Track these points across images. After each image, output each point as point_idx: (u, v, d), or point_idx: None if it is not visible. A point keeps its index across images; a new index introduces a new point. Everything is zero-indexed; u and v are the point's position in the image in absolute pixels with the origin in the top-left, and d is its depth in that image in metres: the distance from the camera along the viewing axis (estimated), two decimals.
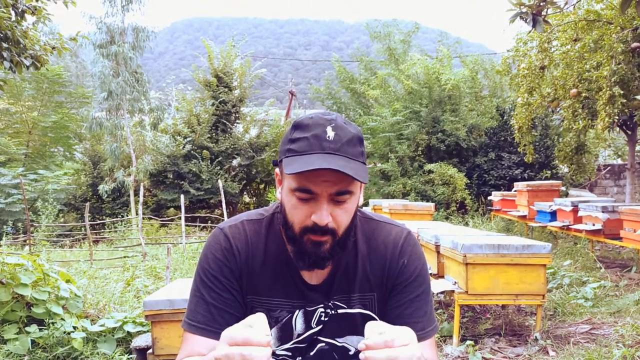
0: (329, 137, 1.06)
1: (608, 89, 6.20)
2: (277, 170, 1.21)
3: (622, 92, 6.18)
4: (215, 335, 1.13)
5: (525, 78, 7.58)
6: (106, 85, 13.72)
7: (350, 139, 1.09)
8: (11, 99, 15.80)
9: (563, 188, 9.97)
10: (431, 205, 7.08)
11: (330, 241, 1.10)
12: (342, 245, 1.13)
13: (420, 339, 1.15)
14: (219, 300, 1.16)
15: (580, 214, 6.01)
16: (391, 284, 1.21)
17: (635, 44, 6.16)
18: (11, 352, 3.06)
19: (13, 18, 3.86)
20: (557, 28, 7.20)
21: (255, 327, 0.90)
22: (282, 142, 1.15)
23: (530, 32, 7.38)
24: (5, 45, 3.73)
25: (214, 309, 1.15)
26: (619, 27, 6.30)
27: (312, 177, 1.05)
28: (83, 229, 11.28)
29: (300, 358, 1.25)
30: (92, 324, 3.43)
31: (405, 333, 0.90)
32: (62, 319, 3.32)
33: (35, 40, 4.08)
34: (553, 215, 6.75)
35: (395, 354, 0.86)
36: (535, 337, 3.51)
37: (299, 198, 1.09)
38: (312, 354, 1.24)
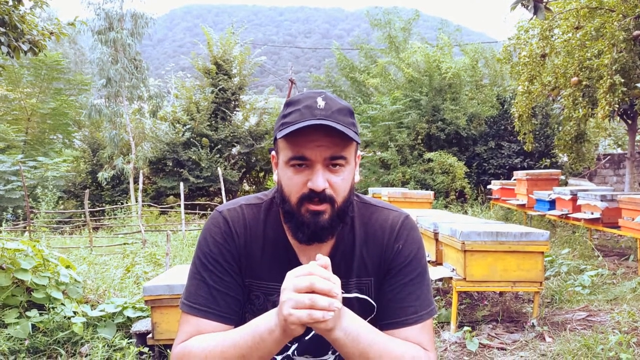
0: (319, 106, 1.08)
1: (609, 77, 6.16)
2: (272, 153, 1.21)
3: (622, 80, 6.14)
4: (217, 318, 1.13)
5: (526, 66, 7.54)
6: (105, 72, 13.66)
7: (341, 109, 1.10)
8: (9, 85, 15.73)
9: (562, 177, 9.98)
10: (430, 193, 7.09)
11: (329, 211, 1.10)
12: (341, 216, 1.13)
13: (413, 322, 1.15)
14: (220, 283, 1.16)
15: (579, 202, 6.02)
16: (386, 268, 1.21)
17: (637, 32, 6.12)
18: (12, 336, 3.08)
19: (10, 2, 3.83)
20: (559, 15, 7.14)
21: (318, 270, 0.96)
22: (276, 121, 1.16)
23: (531, 19, 7.33)
24: (2, 30, 3.70)
25: (215, 292, 1.15)
26: (621, 15, 6.25)
27: (305, 143, 1.06)
28: (83, 215, 11.31)
29: (296, 342, 1.26)
30: (92, 309, 3.45)
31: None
32: (62, 304, 3.34)
33: (33, 25, 4.05)
34: (552, 203, 6.76)
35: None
36: (532, 323, 3.54)
37: (295, 166, 1.09)
38: (308, 338, 1.25)
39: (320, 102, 1.08)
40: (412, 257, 1.21)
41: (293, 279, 0.95)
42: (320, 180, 1.07)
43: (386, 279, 1.21)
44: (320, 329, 0.97)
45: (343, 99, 1.18)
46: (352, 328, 1.03)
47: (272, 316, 1.01)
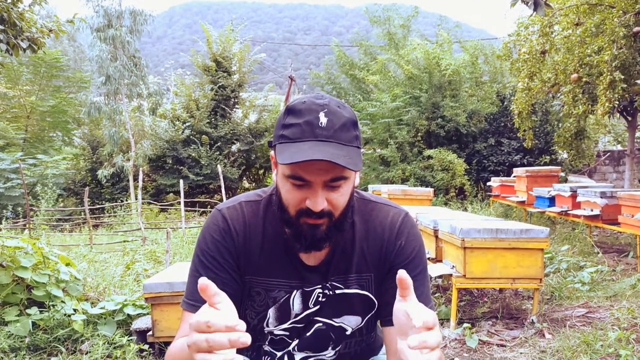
0: (321, 123, 1.05)
1: (609, 73, 6.16)
2: (272, 153, 1.21)
3: (622, 77, 6.14)
4: None
5: (526, 63, 7.53)
6: (104, 70, 13.64)
7: (344, 123, 1.07)
8: (9, 83, 15.71)
9: (562, 174, 9.98)
10: (430, 190, 7.09)
11: (326, 223, 1.11)
12: (339, 226, 1.13)
13: None
14: (217, 280, 1.16)
15: (578, 199, 6.02)
16: (388, 265, 1.22)
17: (637, 28, 6.11)
18: (12, 334, 3.09)
19: (9, 0, 3.82)
20: (559, 12, 7.13)
21: (221, 309, 0.83)
22: (276, 125, 1.15)
23: (531, 16, 7.31)
24: (1, 27, 3.69)
25: None
26: (621, 11, 6.24)
27: (305, 166, 1.04)
28: (82, 213, 11.31)
29: (297, 338, 1.26)
30: (92, 307, 3.45)
31: (433, 317, 0.86)
32: (63, 301, 3.34)
33: (32, 22, 4.04)
34: (552, 200, 6.76)
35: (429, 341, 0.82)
36: (532, 320, 3.54)
37: (293, 184, 1.09)
38: (309, 334, 1.25)
39: (323, 119, 1.05)
40: (414, 254, 1.22)
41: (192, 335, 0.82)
42: (319, 202, 1.06)
43: (389, 276, 1.21)
44: None
45: (346, 104, 1.14)
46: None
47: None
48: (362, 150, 1.18)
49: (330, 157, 1.00)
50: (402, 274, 0.88)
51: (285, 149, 1.05)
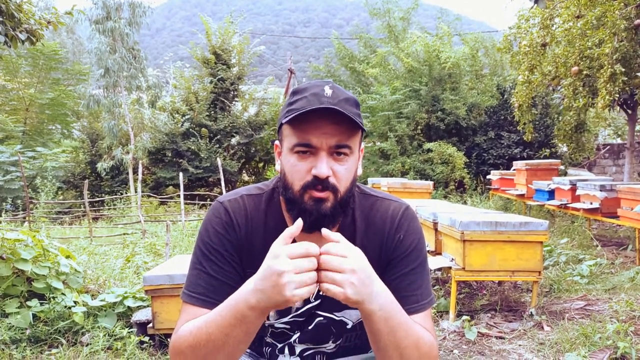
0: (326, 93, 1.08)
1: (609, 66, 6.13)
2: (276, 142, 1.21)
3: (623, 70, 6.11)
4: (215, 307, 1.14)
5: (526, 55, 7.51)
6: (103, 62, 13.60)
7: (348, 98, 1.11)
8: (7, 75, 15.66)
9: (562, 167, 9.97)
10: (430, 183, 7.09)
11: (331, 199, 1.10)
12: (343, 206, 1.13)
13: (415, 311, 1.16)
14: (221, 273, 1.16)
15: (578, 192, 6.02)
16: (387, 258, 1.22)
17: (638, 21, 6.08)
18: (13, 326, 3.10)
19: None
20: (560, 4, 7.09)
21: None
22: (281, 109, 1.17)
23: (532, 8, 7.28)
24: None
25: (215, 281, 1.15)
26: (622, 4, 6.20)
27: (311, 130, 1.07)
28: (82, 206, 11.32)
29: (298, 331, 1.27)
30: (92, 299, 3.46)
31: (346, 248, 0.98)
32: (63, 293, 3.35)
33: (30, 14, 4.02)
34: (551, 193, 6.76)
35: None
36: (531, 312, 3.56)
37: (299, 153, 1.09)
38: (310, 327, 1.25)
39: (328, 90, 1.09)
40: (413, 247, 1.21)
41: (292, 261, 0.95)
42: (324, 167, 1.07)
43: (388, 269, 1.21)
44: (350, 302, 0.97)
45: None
46: (387, 304, 1.03)
47: (249, 293, 0.98)
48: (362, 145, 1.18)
49: (337, 108, 1.05)
50: (324, 232, 1.00)
51: (291, 115, 1.08)
